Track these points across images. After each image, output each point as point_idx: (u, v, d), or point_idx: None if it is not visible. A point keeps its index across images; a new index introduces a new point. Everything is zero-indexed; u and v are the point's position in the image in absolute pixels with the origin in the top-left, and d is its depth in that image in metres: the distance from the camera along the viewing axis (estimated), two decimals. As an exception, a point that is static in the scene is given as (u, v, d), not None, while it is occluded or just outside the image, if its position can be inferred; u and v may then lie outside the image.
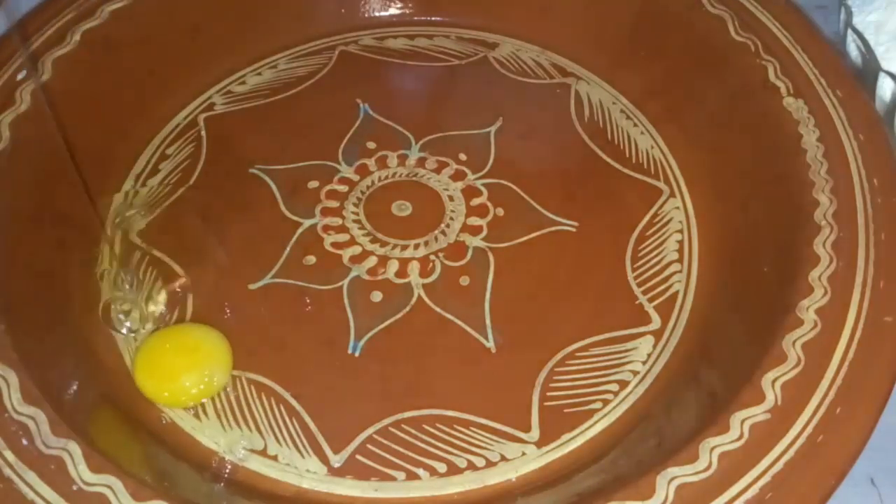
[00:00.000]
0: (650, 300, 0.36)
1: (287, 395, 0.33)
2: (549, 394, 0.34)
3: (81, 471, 0.27)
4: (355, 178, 0.40)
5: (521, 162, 0.41)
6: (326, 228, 0.38)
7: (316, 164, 0.41)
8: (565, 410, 0.33)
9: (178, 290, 0.36)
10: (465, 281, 0.37)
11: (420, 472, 0.32)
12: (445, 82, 0.45)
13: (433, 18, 0.47)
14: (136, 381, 0.33)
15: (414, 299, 0.36)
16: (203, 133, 0.42)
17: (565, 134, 0.42)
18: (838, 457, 0.27)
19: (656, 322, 0.36)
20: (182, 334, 0.34)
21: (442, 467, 0.32)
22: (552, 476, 0.31)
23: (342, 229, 0.38)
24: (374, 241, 0.38)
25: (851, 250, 0.32)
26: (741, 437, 0.27)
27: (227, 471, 0.31)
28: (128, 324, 0.35)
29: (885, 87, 0.39)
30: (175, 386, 0.33)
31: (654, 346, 0.35)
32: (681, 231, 0.38)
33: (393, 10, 0.47)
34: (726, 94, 0.39)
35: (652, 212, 0.39)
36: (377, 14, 0.47)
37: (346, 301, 0.36)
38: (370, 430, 0.32)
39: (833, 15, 0.45)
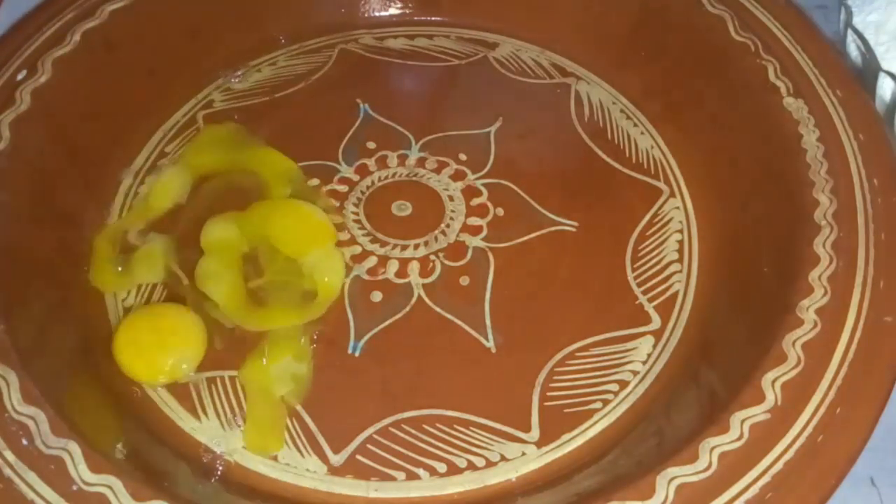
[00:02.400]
0: (650, 300, 0.36)
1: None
2: (549, 394, 0.34)
3: (81, 471, 0.27)
4: (355, 178, 0.40)
5: (521, 162, 0.41)
6: (326, 228, 0.38)
7: (316, 163, 0.41)
8: (565, 410, 0.33)
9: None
10: (465, 281, 0.37)
11: (420, 471, 0.32)
12: (445, 82, 0.45)
13: (433, 18, 0.47)
14: (114, 355, 0.34)
15: (414, 299, 0.36)
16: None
17: (565, 134, 0.42)
18: (838, 457, 0.27)
19: (656, 322, 0.36)
20: (160, 314, 0.35)
21: (442, 467, 0.32)
22: (552, 476, 0.31)
23: (342, 229, 0.38)
24: (374, 241, 0.38)
25: (851, 250, 0.32)
26: (741, 437, 0.27)
27: (221, 467, 0.32)
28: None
29: (885, 87, 0.39)
30: (150, 361, 0.33)
31: (654, 346, 0.35)
32: (681, 231, 0.38)
33: (393, 10, 0.47)
34: (726, 94, 0.39)
35: (652, 212, 0.39)
36: (377, 13, 0.47)
37: (346, 301, 0.36)
38: (370, 430, 0.33)
39: (833, 15, 0.45)
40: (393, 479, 0.32)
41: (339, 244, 0.38)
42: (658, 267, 0.37)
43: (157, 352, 0.34)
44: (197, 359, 0.34)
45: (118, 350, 0.34)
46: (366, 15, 0.47)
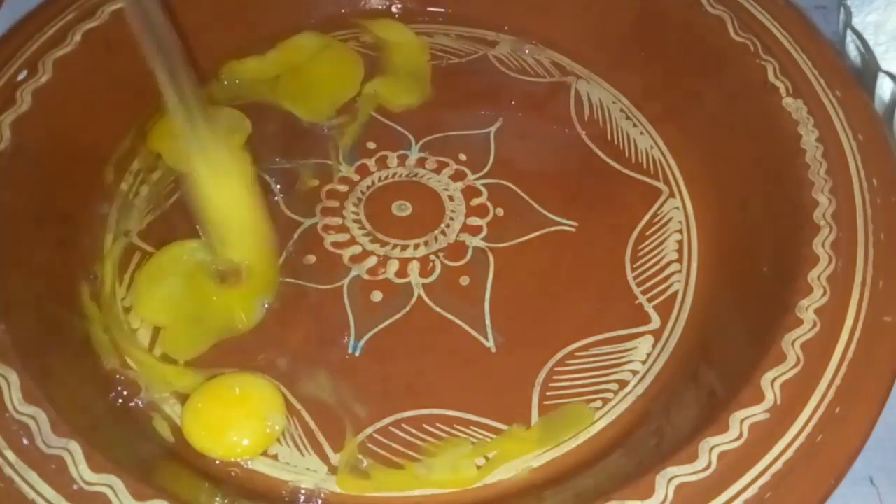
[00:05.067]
0: (650, 300, 0.36)
1: (288, 395, 0.33)
2: (548, 393, 0.34)
3: (82, 470, 0.27)
4: (355, 178, 0.40)
5: (521, 162, 0.41)
6: (327, 228, 0.38)
7: (316, 163, 0.41)
8: (565, 410, 0.33)
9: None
10: (465, 281, 0.37)
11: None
12: (446, 81, 0.45)
13: (433, 16, 0.46)
14: (189, 439, 0.32)
15: (414, 299, 0.36)
16: (203, 131, 0.42)
17: (565, 134, 0.42)
18: (837, 456, 0.27)
19: (656, 322, 0.36)
20: (226, 386, 0.33)
21: (442, 467, 0.32)
22: (552, 476, 0.32)
23: (342, 229, 0.38)
24: (374, 240, 0.38)
25: (851, 250, 0.32)
26: (740, 436, 0.27)
27: (235, 473, 0.31)
28: None
29: (884, 87, 0.39)
30: (225, 443, 0.32)
31: (654, 346, 0.35)
32: (680, 231, 0.38)
33: (394, 8, 0.47)
34: (726, 94, 0.39)
35: (651, 212, 0.39)
36: (377, 10, 0.47)
37: (346, 301, 0.36)
38: (370, 430, 0.33)
39: (833, 15, 0.45)
40: (393, 478, 0.32)
41: (339, 244, 0.38)
42: (657, 267, 0.37)
43: (231, 431, 0.32)
44: (279, 420, 0.32)
45: (190, 437, 0.32)
46: (366, 12, 0.47)
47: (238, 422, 0.32)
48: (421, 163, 0.41)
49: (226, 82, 0.43)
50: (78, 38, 0.39)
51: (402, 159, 0.41)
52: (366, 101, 0.43)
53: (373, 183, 0.40)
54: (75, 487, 0.27)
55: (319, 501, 0.31)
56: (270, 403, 0.32)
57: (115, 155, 0.40)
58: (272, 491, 0.31)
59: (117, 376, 0.34)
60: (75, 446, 0.27)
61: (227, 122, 0.41)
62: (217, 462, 0.32)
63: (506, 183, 0.40)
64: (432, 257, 0.38)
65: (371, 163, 0.41)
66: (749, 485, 0.27)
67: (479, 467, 0.32)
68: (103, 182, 0.39)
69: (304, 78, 0.43)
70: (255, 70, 0.43)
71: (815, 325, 0.30)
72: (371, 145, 0.41)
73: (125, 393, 0.33)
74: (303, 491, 0.31)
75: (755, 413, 0.28)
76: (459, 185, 0.40)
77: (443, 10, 0.47)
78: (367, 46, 0.45)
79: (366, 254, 0.38)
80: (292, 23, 0.45)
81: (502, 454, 0.32)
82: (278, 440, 0.32)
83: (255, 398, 0.32)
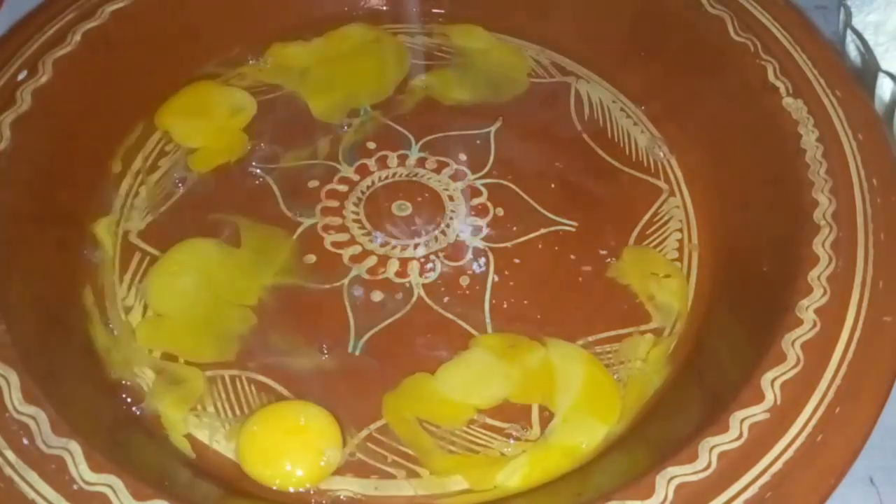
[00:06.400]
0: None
1: (287, 394, 0.33)
2: (548, 393, 0.34)
3: (82, 470, 0.27)
4: (355, 177, 0.40)
5: (521, 162, 0.41)
6: (327, 228, 0.38)
7: (316, 163, 0.41)
8: (565, 409, 0.33)
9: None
10: (465, 281, 0.37)
11: (420, 469, 0.32)
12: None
13: (434, 16, 0.47)
14: (242, 462, 0.32)
15: (414, 299, 0.36)
16: (203, 130, 0.42)
17: (565, 133, 0.42)
18: (837, 456, 0.27)
19: (656, 321, 0.36)
20: (285, 414, 0.33)
21: (442, 466, 0.32)
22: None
23: (342, 229, 0.38)
24: (374, 240, 0.38)
25: (851, 250, 0.32)
26: (740, 436, 0.27)
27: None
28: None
29: (884, 87, 0.39)
30: (282, 473, 0.31)
31: (654, 345, 0.35)
32: (681, 230, 0.38)
33: (393, 8, 0.47)
34: (726, 94, 0.39)
35: (652, 211, 0.39)
36: (376, 10, 0.47)
37: (346, 300, 0.36)
38: (370, 429, 0.33)
39: (833, 15, 0.45)
40: (393, 476, 0.32)
41: (340, 244, 0.38)
42: (658, 266, 0.37)
43: (285, 459, 0.31)
44: (335, 455, 0.31)
45: (244, 460, 0.31)
46: (365, 9, 0.46)
47: (294, 451, 0.31)
48: (421, 163, 0.41)
49: (266, 62, 0.44)
50: (78, 38, 0.39)
51: (402, 159, 0.41)
52: (411, 93, 0.43)
53: (373, 183, 0.40)
54: (75, 487, 0.27)
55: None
56: (329, 437, 0.32)
57: (116, 154, 0.40)
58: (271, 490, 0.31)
59: (124, 382, 0.34)
60: (75, 446, 0.27)
61: (233, 102, 0.42)
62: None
63: (506, 183, 0.40)
64: (432, 257, 0.38)
65: (371, 163, 0.41)
66: (749, 485, 0.27)
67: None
68: (103, 182, 0.39)
69: (335, 72, 0.43)
70: (294, 56, 0.44)
71: (815, 325, 0.30)
72: (371, 145, 0.41)
73: (129, 400, 0.33)
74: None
75: (755, 413, 0.28)
76: (459, 185, 0.40)
77: (443, 10, 0.47)
78: (421, 43, 0.45)
79: (366, 253, 0.38)
80: (293, 23, 0.45)
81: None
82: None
83: (314, 430, 0.32)
